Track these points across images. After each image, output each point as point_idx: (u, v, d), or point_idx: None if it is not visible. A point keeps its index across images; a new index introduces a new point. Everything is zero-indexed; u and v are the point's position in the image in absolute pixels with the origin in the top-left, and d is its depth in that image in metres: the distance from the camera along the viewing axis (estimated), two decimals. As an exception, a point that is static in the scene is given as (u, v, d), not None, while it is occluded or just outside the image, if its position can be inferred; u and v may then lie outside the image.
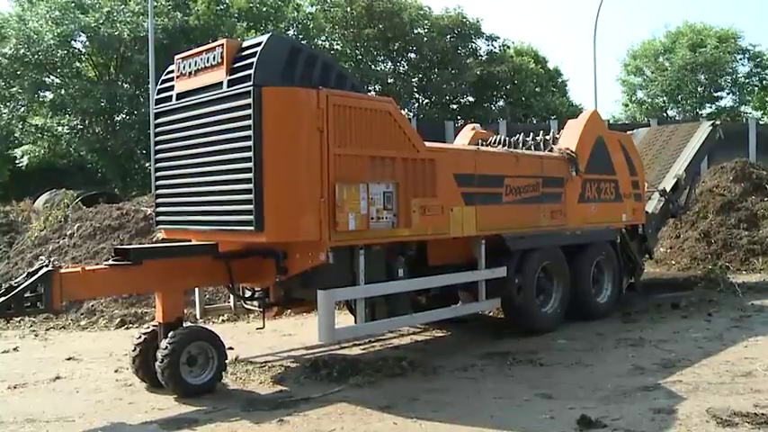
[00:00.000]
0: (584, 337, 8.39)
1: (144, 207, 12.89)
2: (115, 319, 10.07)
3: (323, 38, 35.72)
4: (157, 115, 7.24)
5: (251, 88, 5.97)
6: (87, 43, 28.29)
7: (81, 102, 26.52)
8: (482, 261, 7.90)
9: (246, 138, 6.03)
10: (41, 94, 29.03)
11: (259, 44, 6.16)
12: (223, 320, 9.93)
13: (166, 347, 6.07)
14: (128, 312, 10.26)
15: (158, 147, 7.27)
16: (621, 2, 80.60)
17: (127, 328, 9.65)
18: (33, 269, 5.81)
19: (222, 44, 6.39)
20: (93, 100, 26.72)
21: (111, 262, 6.30)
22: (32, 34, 26.67)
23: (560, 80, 42.69)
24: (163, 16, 27.30)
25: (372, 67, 37.29)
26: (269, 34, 6.47)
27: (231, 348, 7.76)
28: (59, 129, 28.28)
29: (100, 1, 28.49)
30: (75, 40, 28.31)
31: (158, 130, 7.25)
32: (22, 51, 26.61)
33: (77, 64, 29.66)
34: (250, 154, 5.99)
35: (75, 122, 28.32)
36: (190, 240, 7.08)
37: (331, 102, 6.23)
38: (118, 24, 26.85)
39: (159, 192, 7.32)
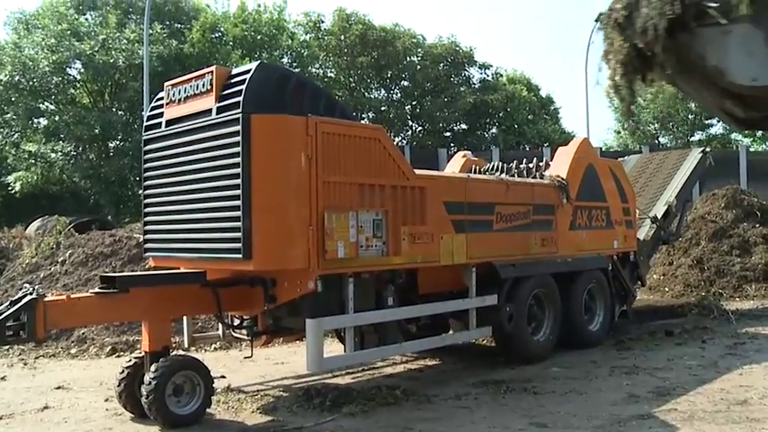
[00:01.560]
0: (579, 365, 8.33)
1: (137, 234, 12.81)
2: (106, 347, 9.94)
3: (317, 66, 36.00)
4: (146, 142, 7.23)
5: (240, 115, 5.98)
6: (82, 70, 28.43)
7: (75, 128, 26.57)
8: (473, 289, 7.85)
9: (235, 165, 6.02)
10: (35, 120, 29.11)
11: (248, 71, 6.18)
12: (215, 348, 9.83)
13: (150, 382, 5.97)
14: (119, 340, 10.14)
15: (147, 174, 7.25)
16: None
17: (118, 356, 9.51)
18: (16, 297, 5.76)
19: (211, 71, 6.40)
20: (88, 127, 26.78)
21: (96, 290, 6.24)
22: (28, 61, 26.82)
23: (553, 108, 42.99)
24: (158, 44, 27.50)
25: (366, 94, 37.57)
26: (258, 62, 6.49)
27: (223, 377, 7.73)
28: (53, 155, 28.29)
29: (95, 29, 28.69)
30: (70, 67, 28.49)
31: (147, 156, 7.23)
32: (17, 78, 26.74)
33: (72, 91, 29.81)
34: (238, 181, 5.97)
35: (68, 149, 28.34)
36: (178, 268, 7.03)
37: (320, 129, 6.22)
38: (113, 52, 27.00)
39: (148, 219, 7.29)
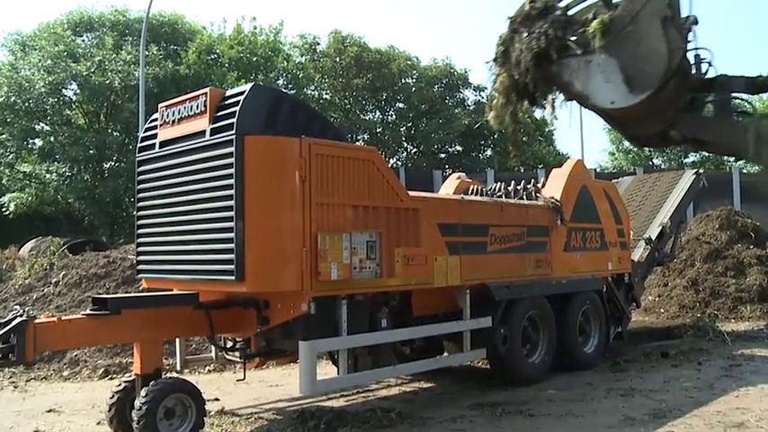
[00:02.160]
0: (574, 387, 8.30)
1: (131, 255, 12.74)
2: (99, 370, 9.87)
3: (312, 87, 36.16)
4: (140, 163, 7.23)
5: (233, 137, 6.00)
6: (78, 91, 28.47)
7: (70, 149, 26.60)
8: (467, 311, 7.83)
9: (228, 186, 6.03)
10: (30, 141, 29.12)
11: (242, 93, 6.20)
12: (209, 370, 9.77)
13: (140, 407, 5.90)
14: (112, 362, 10.06)
15: (141, 195, 7.23)
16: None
17: (111, 379, 9.44)
18: (6, 319, 5.71)
19: (205, 93, 6.43)
20: (83, 147, 26.81)
21: (88, 311, 6.20)
22: (24, 82, 26.86)
23: (547, 130, 43.16)
24: (154, 65, 27.60)
25: (361, 116, 37.68)
26: (252, 83, 6.52)
27: (217, 399, 7.70)
28: (47, 176, 28.28)
29: (92, 50, 28.80)
30: (66, 89, 28.53)
31: (141, 178, 7.22)
32: (12, 99, 26.77)
33: (67, 112, 29.82)
34: (232, 203, 5.97)
35: (63, 170, 28.32)
36: (171, 290, 7.00)
37: (314, 151, 6.23)
38: (109, 73, 27.09)
39: (141, 240, 7.26)
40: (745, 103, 7.90)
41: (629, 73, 6.29)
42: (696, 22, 7.59)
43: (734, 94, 7.79)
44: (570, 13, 7.31)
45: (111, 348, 10.31)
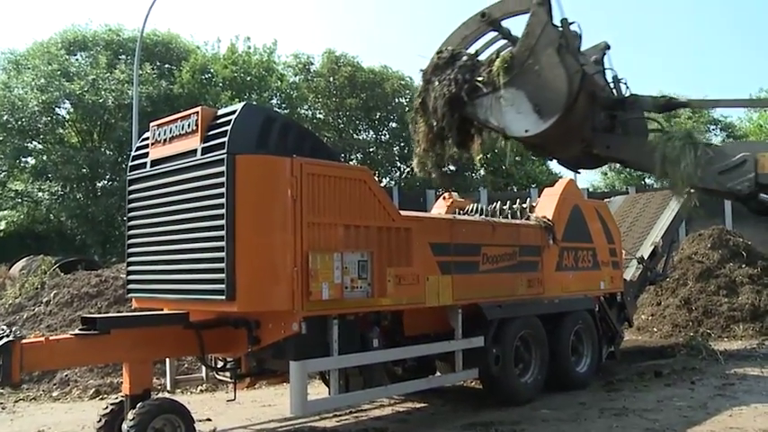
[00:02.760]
0: (568, 406, 8.26)
1: (123, 274, 12.64)
2: (89, 390, 9.78)
3: (306, 107, 36.25)
4: (131, 182, 7.21)
5: (224, 156, 5.99)
6: (71, 110, 28.50)
7: (63, 168, 26.54)
8: (459, 331, 7.80)
9: (219, 206, 6.01)
10: (23, 159, 29.03)
11: (233, 112, 6.21)
12: (201, 391, 9.70)
13: (128, 431, 5.84)
14: (103, 382, 9.97)
15: (131, 214, 7.21)
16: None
17: (102, 399, 9.32)
18: (-7, 340, 5.64)
19: (197, 112, 6.43)
20: (75, 166, 26.77)
21: (77, 331, 6.15)
22: (17, 101, 26.88)
23: (540, 149, 43.39)
24: (148, 84, 27.66)
25: (355, 135, 37.78)
26: (243, 103, 6.54)
27: (209, 420, 7.65)
28: (40, 194, 28.19)
29: (86, 69, 28.86)
30: (59, 107, 28.54)
31: (132, 197, 7.20)
32: (5, 118, 26.75)
33: (61, 130, 29.82)
34: (223, 222, 5.96)
35: (56, 188, 28.27)
36: (162, 309, 6.95)
37: (305, 170, 6.23)
38: (103, 92, 27.14)
39: (131, 259, 7.23)
40: (656, 123, 8.32)
41: (536, 102, 6.77)
42: (608, 47, 8.23)
43: (646, 113, 8.17)
44: (480, 57, 7.69)
45: (101, 368, 10.22)
